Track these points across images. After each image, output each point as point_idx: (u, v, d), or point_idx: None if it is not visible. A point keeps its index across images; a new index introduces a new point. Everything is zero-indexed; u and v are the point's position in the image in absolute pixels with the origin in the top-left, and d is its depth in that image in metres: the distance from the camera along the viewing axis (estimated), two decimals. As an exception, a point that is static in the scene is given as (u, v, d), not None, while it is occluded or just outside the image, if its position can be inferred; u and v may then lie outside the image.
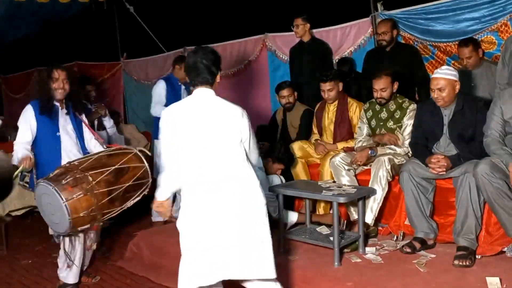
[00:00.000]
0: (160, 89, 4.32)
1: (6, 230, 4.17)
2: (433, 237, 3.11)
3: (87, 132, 3.22)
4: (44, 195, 2.55)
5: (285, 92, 4.19)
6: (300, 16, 4.47)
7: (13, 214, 4.11)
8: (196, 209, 2.12)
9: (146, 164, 2.81)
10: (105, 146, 3.16)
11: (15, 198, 4.00)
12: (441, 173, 3.00)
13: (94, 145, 3.19)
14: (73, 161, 2.71)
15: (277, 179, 3.65)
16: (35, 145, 3.05)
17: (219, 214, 2.10)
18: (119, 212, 2.71)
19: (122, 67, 7.16)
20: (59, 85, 3.05)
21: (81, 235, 2.92)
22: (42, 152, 3.04)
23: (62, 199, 2.45)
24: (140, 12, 6.61)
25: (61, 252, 3.04)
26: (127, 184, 2.64)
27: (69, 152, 3.07)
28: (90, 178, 2.52)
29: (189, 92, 3.94)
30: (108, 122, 4.60)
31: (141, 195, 2.75)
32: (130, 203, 2.72)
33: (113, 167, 2.61)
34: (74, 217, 2.46)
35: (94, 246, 3.06)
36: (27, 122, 3.02)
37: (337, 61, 4.75)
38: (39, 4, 5.94)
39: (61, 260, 3.07)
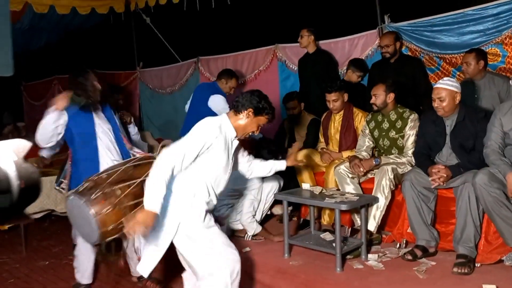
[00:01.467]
0: (224, 101, 4.50)
1: (25, 233, 4.35)
2: (435, 245, 3.18)
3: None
4: (75, 207, 2.64)
5: (290, 104, 4.35)
6: (306, 27, 4.62)
7: (32, 217, 4.30)
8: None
9: None
10: (132, 152, 3.23)
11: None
12: (440, 184, 3.08)
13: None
14: (101, 173, 2.78)
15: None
16: (72, 142, 3.11)
17: None
18: None
19: (138, 76, 7.37)
20: (97, 86, 3.12)
21: None
22: (79, 149, 3.11)
23: (92, 213, 2.53)
24: (156, 23, 6.82)
25: (75, 253, 3.20)
26: None
27: (106, 150, 3.14)
28: (118, 192, 2.61)
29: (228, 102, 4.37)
30: (132, 129, 4.76)
31: None
32: None
33: (139, 179, 2.68)
34: (103, 230, 2.57)
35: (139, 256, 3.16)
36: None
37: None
38: (60, 15, 6.20)
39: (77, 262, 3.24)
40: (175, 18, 6.44)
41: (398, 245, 3.38)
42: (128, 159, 2.96)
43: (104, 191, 2.60)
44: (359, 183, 3.61)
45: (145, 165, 2.83)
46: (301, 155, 3.96)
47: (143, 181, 2.68)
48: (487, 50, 3.89)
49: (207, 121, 2.46)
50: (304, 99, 4.44)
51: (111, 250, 2.91)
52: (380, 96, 3.55)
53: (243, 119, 2.50)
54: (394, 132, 3.58)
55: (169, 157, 2.32)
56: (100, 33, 7.27)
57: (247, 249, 3.50)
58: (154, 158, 2.93)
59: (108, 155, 3.13)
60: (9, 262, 3.93)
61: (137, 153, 3.25)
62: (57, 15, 6.16)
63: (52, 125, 3.03)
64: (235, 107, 2.52)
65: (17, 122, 7.53)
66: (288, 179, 3.96)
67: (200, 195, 2.46)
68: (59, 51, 7.99)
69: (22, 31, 6.58)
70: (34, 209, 4.29)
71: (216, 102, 4.50)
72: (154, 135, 6.78)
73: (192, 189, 2.45)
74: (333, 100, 3.90)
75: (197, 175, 2.44)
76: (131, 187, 2.67)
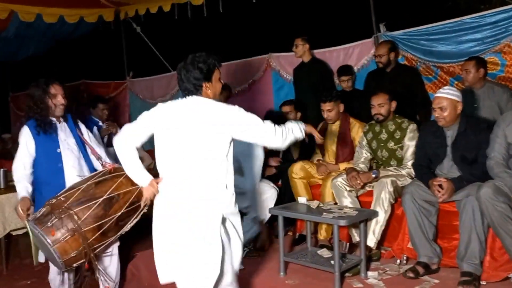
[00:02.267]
0: None
1: (7, 250, 4.13)
2: (437, 262, 3.04)
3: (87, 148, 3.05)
4: (35, 235, 2.51)
5: (285, 108, 4.25)
6: (300, 36, 4.52)
7: (14, 233, 4.08)
8: (159, 210, 2.29)
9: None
10: (100, 162, 3.02)
11: (16, 217, 3.98)
12: (445, 199, 2.95)
13: (93, 160, 3.05)
14: (60, 195, 2.56)
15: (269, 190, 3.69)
16: (34, 164, 2.88)
17: (173, 224, 2.22)
18: (115, 238, 2.67)
19: (128, 86, 7.21)
20: (60, 101, 2.88)
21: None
22: (42, 172, 2.88)
23: (49, 243, 2.38)
24: (146, 32, 6.69)
25: (50, 276, 3.00)
26: (119, 214, 2.53)
27: (72, 168, 2.90)
28: (76, 217, 2.42)
29: None
30: None
31: (137, 219, 2.65)
32: (126, 228, 2.64)
33: (101, 199, 2.48)
34: (65, 259, 2.42)
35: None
36: (24, 144, 2.87)
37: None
38: (47, 24, 6.04)
39: (53, 283, 3.02)
40: (166, 27, 6.31)
41: (398, 262, 3.25)
42: (92, 175, 2.72)
43: (60, 217, 2.41)
44: (357, 197, 3.47)
45: (109, 180, 2.60)
46: (296, 168, 3.81)
47: (106, 199, 2.51)
48: (486, 58, 3.80)
49: (223, 105, 2.24)
50: (300, 108, 4.31)
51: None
52: (384, 105, 3.43)
53: (208, 91, 2.26)
54: (393, 143, 3.45)
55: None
56: (89, 42, 7.12)
57: (241, 267, 3.32)
58: (120, 171, 2.70)
59: (74, 173, 2.89)
60: (-12, 281, 3.72)
61: (107, 164, 2.99)
62: (44, 24, 5.99)
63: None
64: (193, 92, 2.25)
65: (3, 133, 7.32)
66: (283, 193, 3.81)
67: (231, 186, 2.23)
68: (47, 61, 7.81)
69: (8, 40, 6.41)
70: (17, 225, 4.09)
71: None
72: (144, 147, 6.57)
73: (223, 180, 2.20)
74: (328, 110, 3.77)
75: (229, 160, 2.21)
76: (92, 208, 2.47)
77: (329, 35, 4.93)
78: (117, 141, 2.37)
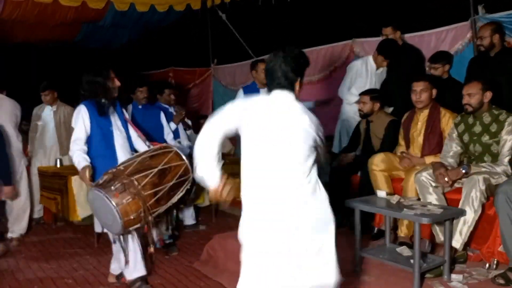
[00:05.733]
0: (239, 97, 4.55)
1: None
2: (533, 270, 2.73)
3: (132, 130, 3.31)
4: (96, 200, 2.75)
5: (362, 99, 4.07)
6: (388, 25, 4.23)
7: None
8: (256, 219, 2.02)
9: (187, 161, 2.95)
10: (147, 143, 3.29)
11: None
12: None
13: (139, 144, 3.30)
14: (119, 165, 2.85)
15: None
16: (90, 139, 3.12)
17: (279, 228, 1.98)
18: (165, 208, 2.92)
19: (212, 73, 7.40)
20: (116, 83, 3.16)
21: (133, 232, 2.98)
22: (98, 146, 3.11)
23: (113, 205, 2.63)
24: (231, 19, 6.77)
25: (114, 249, 3.16)
26: (171, 184, 2.83)
27: (121, 146, 3.17)
28: (136, 183, 2.70)
29: None
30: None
31: (184, 191, 2.94)
32: (174, 199, 2.91)
33: (156, 169, 2.77)
34: (125, 220, 2.66)
35: (152, 250, 3.09)
36: (81, 121, 3.07)
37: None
38: (140, 13, 6.39)
39: (115, 257, 3.21)
40: (250, 14, 6.34)
41: (487, 266, 2.99)
42: (145, 151, 3.04)
43: (122, 182, 2.69)
44: (443, 193, 3.22)
45: (161, 154, 2.91)
46: (377, 159, 3.62)
47: (160, 170, 2.83)
48: None
49: (311, 115, 2.04)
50: (382, 98, 4.08)
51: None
52: (475, 95, 3.11)
53: (297, 88, 2.04)
54: (488, 136, 3.13)
55: None
56: (178, 30, 7.40)
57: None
58: (170, 148, 3.03)
59: (123, 151, 3.16)
60: (80, 253, 4.03)
61: (152, 143, 3.30)
62: (137, 13, 6.36)
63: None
64: (286, 87, 2.01)
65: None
66: (362, 185, 3.66)
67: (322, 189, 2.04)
68: (139, 49, 8.25)
69: (104, 29, 6.89)
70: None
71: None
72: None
73: (314, 184, 2.00)
74: (421, 89, 3.48)
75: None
76: (149, 176, 2.76)
77: (419, 18, 4.58)
78: (203, 136, 2.05)
